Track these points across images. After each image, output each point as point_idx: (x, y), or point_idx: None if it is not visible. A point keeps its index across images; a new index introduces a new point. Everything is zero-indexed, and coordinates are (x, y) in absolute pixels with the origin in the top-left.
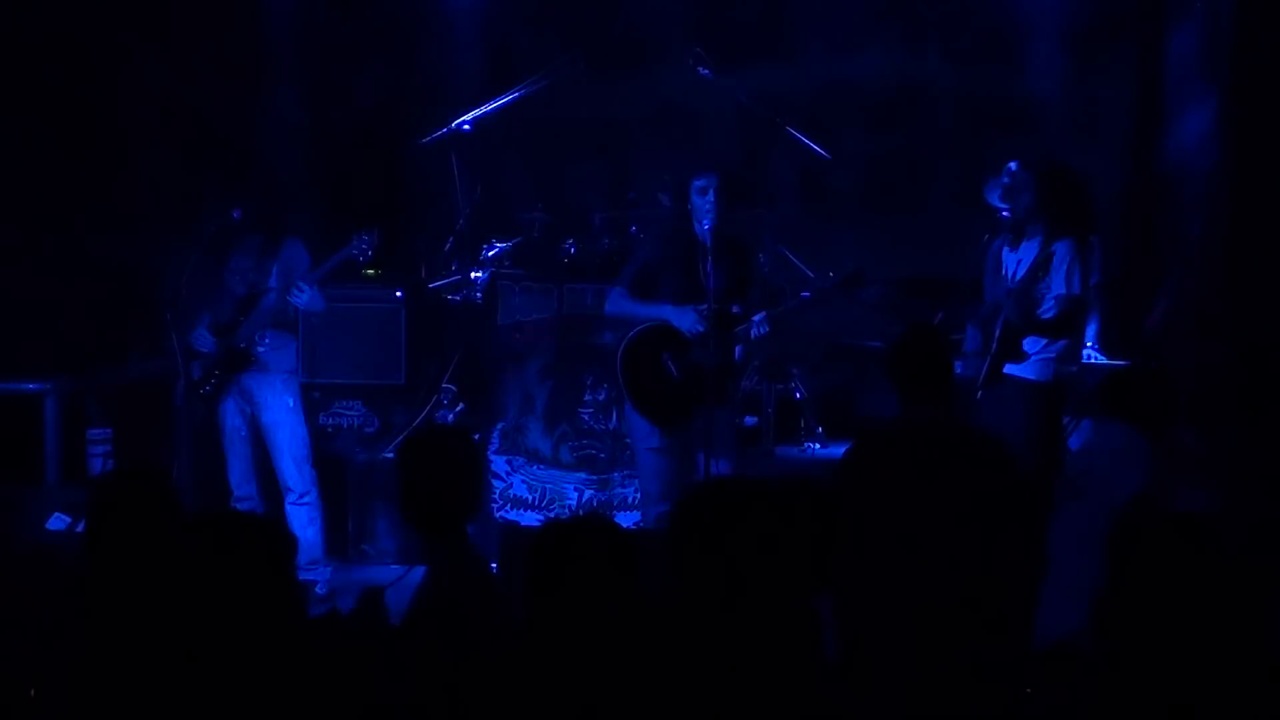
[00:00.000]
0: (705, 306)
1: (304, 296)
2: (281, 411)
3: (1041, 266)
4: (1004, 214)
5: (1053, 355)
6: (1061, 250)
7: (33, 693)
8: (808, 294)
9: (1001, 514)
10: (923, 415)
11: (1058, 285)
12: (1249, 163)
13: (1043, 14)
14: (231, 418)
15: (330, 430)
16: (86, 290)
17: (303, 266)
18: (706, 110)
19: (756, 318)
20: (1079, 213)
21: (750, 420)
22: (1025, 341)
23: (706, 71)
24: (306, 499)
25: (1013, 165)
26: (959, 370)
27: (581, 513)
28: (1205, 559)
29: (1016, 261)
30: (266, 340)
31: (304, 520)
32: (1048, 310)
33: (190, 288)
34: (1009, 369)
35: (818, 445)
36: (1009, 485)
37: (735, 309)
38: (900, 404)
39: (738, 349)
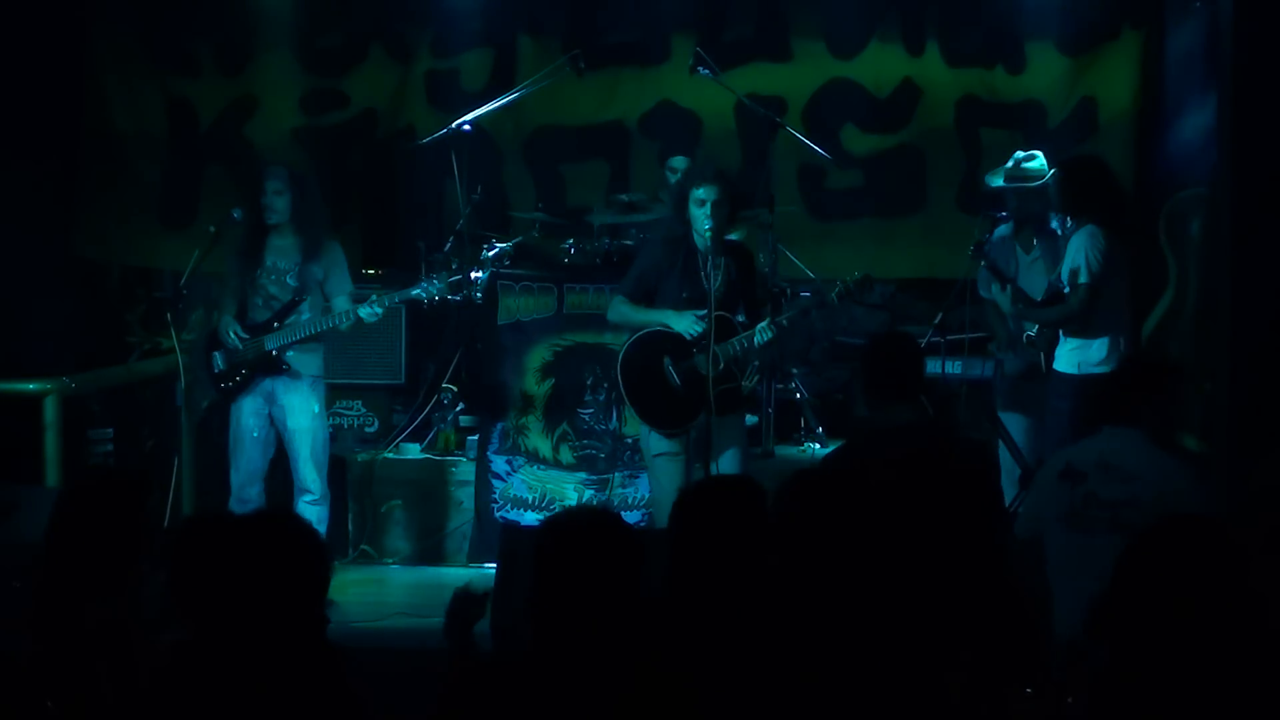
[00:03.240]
0: (704, 311)
1: (378, 313)
2: (307, 418)
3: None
4: (1000, 214)
5: (1077, 346)
6: (1077, 237)
7: (50, 704)
8: (808, 297)
9: (981, 515)
10: (898, 418)
11: (1068, 270)
12: (1249, 163)
13: (1043, 14)
14: (246, 418)
15: (330, 430)
16: (86, 290)
17: (343, 270)
18: (706, 110)
19: (760, 326)
20: (1098, 201)
21: (750, 420)
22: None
23: (706, 71)
24: (323, 501)
25: (1020, 154)
26: (1005, 363)
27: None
28: (1215, 562)
29: (1032, 260)
30: (295, 345)
31: (314, 520)
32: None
33: (191, 287)
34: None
35: (818, 445)
36: (986, 486)
37: (739, 318)
38: (871, 409)
39: (738, 353)
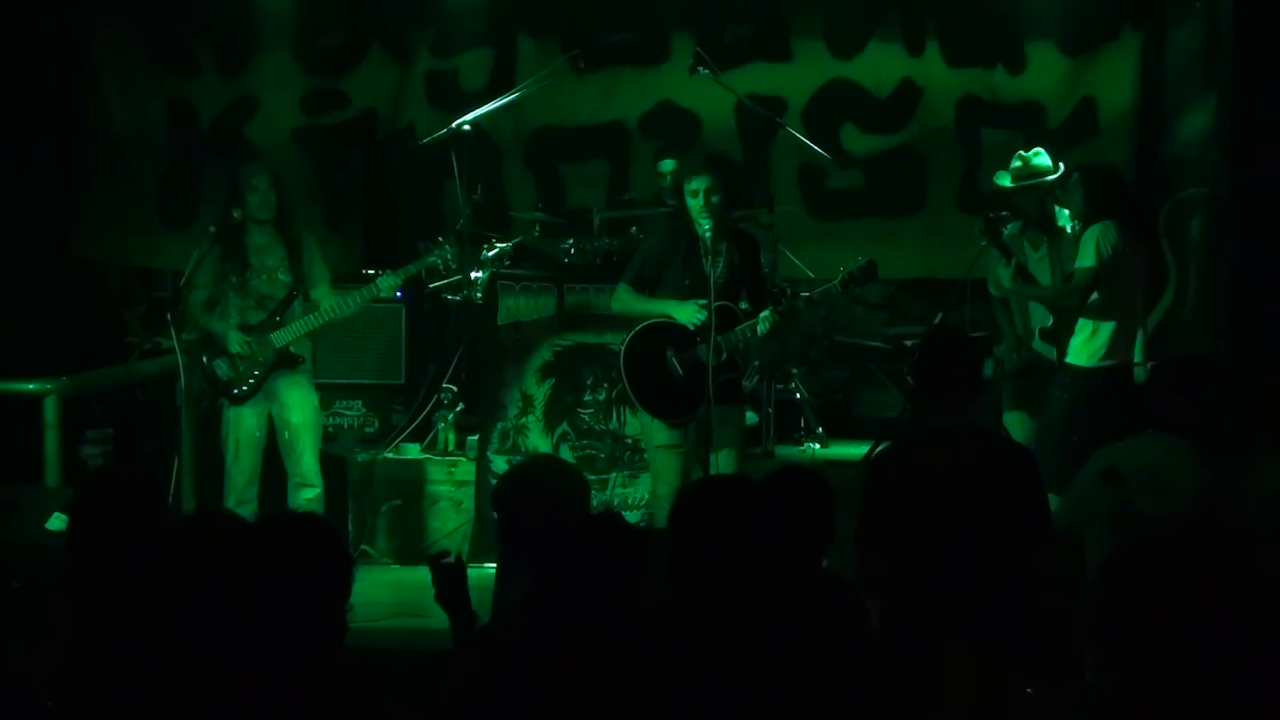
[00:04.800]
0: (706, 300)
1: (395, 283)
2: (310, 410)
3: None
4: (1002, 214)
5: (1087, 338)
6: (1091, 230)
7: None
8: (807, 294)
9: (1029, 518)
10: (954, 422)
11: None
12: (1249, 163)
13: (1043, 14)
14: (249, 419)
15: (330, 430)
16: (86, 290)
17: (320, 259)
18: (706, 110)
19: (763, 314)
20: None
21: (750, 420)
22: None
23: (706, 71)
24: (321, 497)
25: (1025, 153)
26: (1006, 361)
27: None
28: (1231, 567)
29: (1039, 258)
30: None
31: None
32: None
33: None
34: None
35: (818, 445)
36: (1036, 490)
37: (742, 305)
38: (925, 410)
39: (742, 344)
